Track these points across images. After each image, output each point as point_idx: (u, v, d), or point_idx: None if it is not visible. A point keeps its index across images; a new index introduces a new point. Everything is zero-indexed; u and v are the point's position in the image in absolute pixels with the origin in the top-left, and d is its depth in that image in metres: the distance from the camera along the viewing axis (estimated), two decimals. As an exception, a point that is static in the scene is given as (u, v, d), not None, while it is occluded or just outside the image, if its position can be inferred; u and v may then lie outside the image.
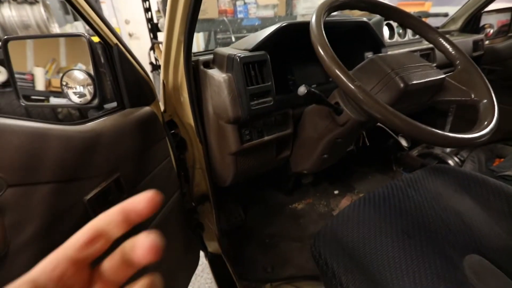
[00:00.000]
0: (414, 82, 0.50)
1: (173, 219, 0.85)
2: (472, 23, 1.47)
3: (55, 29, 2.39)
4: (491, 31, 1.55)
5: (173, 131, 0.87)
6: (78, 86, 0.62)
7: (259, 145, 0.75)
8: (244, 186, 1.27)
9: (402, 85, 0.49)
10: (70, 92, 0.62)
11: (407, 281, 0.46)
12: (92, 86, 0.61)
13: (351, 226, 0.56)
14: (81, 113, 0.69)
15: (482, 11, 1.44)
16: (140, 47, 3.52)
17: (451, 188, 0.65)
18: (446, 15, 1.57)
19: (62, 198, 0.45)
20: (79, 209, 0.48)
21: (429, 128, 0.42)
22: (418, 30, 0.65)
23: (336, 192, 1.36)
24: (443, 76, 0.56)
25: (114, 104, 0.65)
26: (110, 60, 0.59)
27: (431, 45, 1.16)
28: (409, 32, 1.10)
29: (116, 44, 0.57)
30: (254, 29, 2.11)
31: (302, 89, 0.53)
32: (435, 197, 0.63)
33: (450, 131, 0.45)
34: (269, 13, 2.28)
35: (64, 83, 0.61)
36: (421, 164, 0.90)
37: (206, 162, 0.86)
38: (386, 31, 1.04)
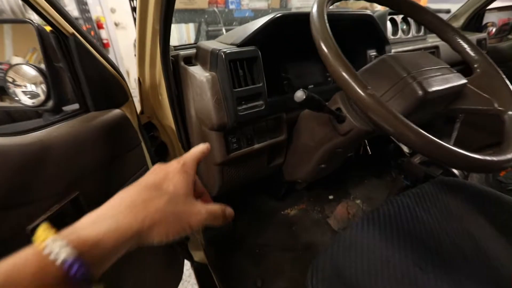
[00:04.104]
0: (434, 89, 0.41)
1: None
2: (474, 21, 1.40)
3: (33, 15, 2.21)
4: (493, 29, 1.49)
5: (152, 134, 0.77)
6: (29, 84, 0.51)
7: (248, 154, 0.66)
8: (233, 192, 1.18)
9: (420, 92, 0.40)
10: (18, 91, 0.51)
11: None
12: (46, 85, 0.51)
13: (353, 255, 0.48)
14: (38, 112, 0.58)
15: (486, 9, 1.37)
16: (126, 38, 3.34)
17: (463, 207, 0.58)
18: (448, 11, 1.49)
19: (-8, 232, 0.35)
20: (21, 242, 0.38)
21: (461, 152, 0.34)
22: (433, 27, 0.56)
23: (330, 197, 1.29)
24: (465, 81, 0.48)
25: (76, 106, 0.55)
26: (66, 54, 0.48)
27: (435, 44, 1.09)
28: (413, 28, 1.02)
29: (73, 34, 0.46)
30: (246, 21, 1.99)
31: (299, 94, 0.44)
32: (447, 218, 0.56)
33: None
34: (262, 4, 2.16)
35: (10, 80, 0.50)
36: (424, 173, 0.84)
37: (190, 169, 0.76)
38: (389, 27, 0.95)
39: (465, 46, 0.55)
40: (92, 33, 2.98)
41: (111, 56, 3.35)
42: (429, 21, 0.56)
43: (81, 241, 0.21)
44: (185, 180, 0.28)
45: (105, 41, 3.20)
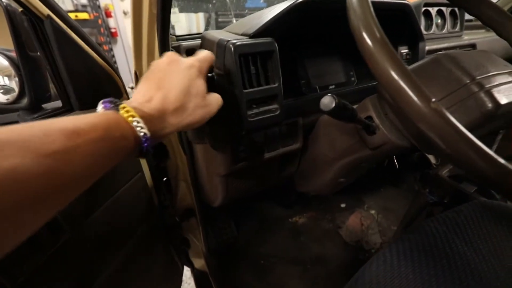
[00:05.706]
0: (510, 100, 0.32)
1: (151, 238, 0.71)
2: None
3: None
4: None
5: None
6: (1, 77, 0.43)
7: (256, 164, 0.57)
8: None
9: (490, 105, 0.31)
10: (-12, 84, 0.43)
11: None
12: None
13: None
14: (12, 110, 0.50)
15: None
16: (135, 27, 3.24)
17: (515, 240, 0.48)
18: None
19: None
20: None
21: None
22: (493, 22, 0.45)
23: (342, 205, 1.20)
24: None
25: (59, 103, 0.47)
26: (43, 41, 0.40)
27: (472, 41, 0.97)
28: (448, 23, 0.90)
29: (49, 17, 0.37)
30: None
31: (327, 101, 0.35)
32: (496, 255, 0.46)
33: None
34: (276, -5, 2.03)
35: (-22, 71, 0.42)
36: (454, 190, 0.74)
37: (192, 176, 0.68)
38: (422, 20, 0.84)
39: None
40: (100, 21, 2.91)
41: (119, 46, 3.28)
42: (487, 15, 0.45)
43: (151, 129, 0.29)
44: (203, 83, 0.36)
45: (113, 30, 3.13)
